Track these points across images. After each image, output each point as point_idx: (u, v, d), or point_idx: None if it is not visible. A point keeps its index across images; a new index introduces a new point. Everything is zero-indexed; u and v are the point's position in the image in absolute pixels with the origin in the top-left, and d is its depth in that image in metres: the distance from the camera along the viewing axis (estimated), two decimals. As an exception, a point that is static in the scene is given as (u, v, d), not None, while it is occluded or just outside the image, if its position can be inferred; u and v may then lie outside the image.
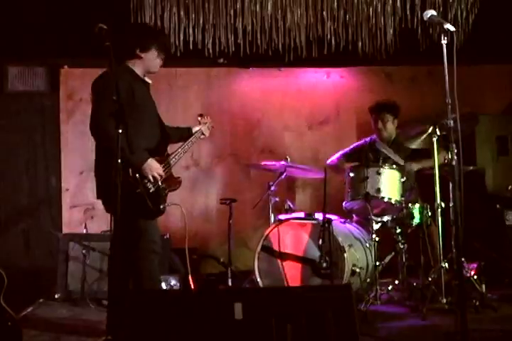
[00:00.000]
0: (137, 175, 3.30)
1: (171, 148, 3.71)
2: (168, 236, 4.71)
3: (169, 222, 4.85)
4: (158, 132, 3.56)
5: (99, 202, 5.45)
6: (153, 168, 3.35)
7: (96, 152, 3.46)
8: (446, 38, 3.05)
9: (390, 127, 4.87)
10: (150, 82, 3.62)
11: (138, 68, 3.54)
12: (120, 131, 2.91)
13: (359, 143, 5.07)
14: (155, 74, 3.68)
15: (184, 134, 3.80)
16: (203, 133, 3.85)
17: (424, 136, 4.24)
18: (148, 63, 3.54)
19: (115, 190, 2.85)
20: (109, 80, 3.26)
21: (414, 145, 4.40)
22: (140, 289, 3.36)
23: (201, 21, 5.18)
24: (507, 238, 4.67)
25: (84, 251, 4.58)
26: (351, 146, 5.07)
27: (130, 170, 3.28)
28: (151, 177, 3.33)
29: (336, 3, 5.29)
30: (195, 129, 3.84)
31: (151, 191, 3.35)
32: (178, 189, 3.60)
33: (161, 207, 3.38)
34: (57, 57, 5.51)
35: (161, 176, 3.38)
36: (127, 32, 3.65)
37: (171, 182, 3.49)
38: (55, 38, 5.28)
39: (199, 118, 3.91)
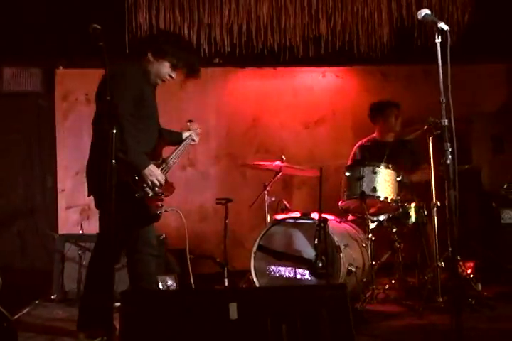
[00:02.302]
0: (137, 178, 3.28)
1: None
2: (164, 236, 4.70)
3: (165, 223, 4.82)
4: (157, 136, 3.53)
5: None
6: (155, 173, 3.32)
7: (93, 149, 3.43)
8: (440, 37, 3.05)
9: (399, 122, 4.91)
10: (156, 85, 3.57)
11: (146, 70, 3.46)
12: (114, 131, 2.89)
13: (356, 151, 5.06)
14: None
15: (174, 138, 3.75)
16: (193, 139, 3.84)
17: (420, 131, 4.31)
18: (154, 70, 3.46)
19: (109, 192, 2.85)
20: (131, 79, 3.26)
21: (411, 137, 4.50)
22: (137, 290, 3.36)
23: (196, 21, 5.18)
24: (503, 236, 4.67)
25: (80, 252, 4.57)
26: (350, 157, 5.06)
27: (129, 174, 3.24)
28: (153, 183, 3.30)
29: (331, 3, 5.29)
30: (185, 135, 3.80)
31: (149, 195, 3.33)
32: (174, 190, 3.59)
33: (158, 212, 3.36)
34: (53, 58, 5.50)
35: (160, 183, 3.35)
36: (154, 33, 3.58)
37: (167, 187, 3.45)
38: (50, 39, 5.27)
39: (188, 124, 3.91)
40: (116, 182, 3.08)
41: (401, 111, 5.01)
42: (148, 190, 3.31)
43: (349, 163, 4.99)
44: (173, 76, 3.50)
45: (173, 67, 3.46)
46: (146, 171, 3.28)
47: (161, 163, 3.48)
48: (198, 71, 3.53)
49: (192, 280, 3.85)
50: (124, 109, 3.19)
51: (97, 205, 3.44)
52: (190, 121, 3.95)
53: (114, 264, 3.39)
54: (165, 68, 3.45)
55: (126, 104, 3.23)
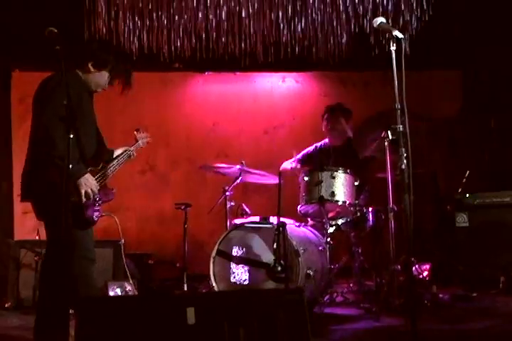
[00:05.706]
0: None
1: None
2: (123, 241, 4.66)
3: (125, 228, 4.80)
4: (95, 143, 3.55)
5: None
6: (89, 183, 3.33)
7: (33, 151, 3.41)
8: (395, 45, 3.12)
9: (342, 127, 4.93)
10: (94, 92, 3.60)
11: (86, 79, 3.50)
12: (71, 136, 2.88)
13: (310, 148, 5.12)
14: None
15: (105, 157, 3.68)
16: (129, 155, 3.78)
17: (377, 142, 4.35)
18: (95, 80, 3.50)
19: (65, 198, 2.84)
20: (59, 83, 3.24)
21: (368, 152, 4.52)
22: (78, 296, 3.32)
23: (156, 25, 5.16)
24: (457, 239, 4.77)
25: (36, 258, 4.50)
26: (303, 152, 5.11)
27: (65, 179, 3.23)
28: (86, 192, 3.30)
29: (291, 9, 5.33)
30: (117, 152, 3.75)
31: (83, 201, 3.32)
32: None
33: (94, 216, 3.37)
34: (9, 61, 5.41)
35: (94, 192, 3.35)
36: (89, 42, 3.59)
37: (105, 193, 3.48)
38: (7, 41, 5.18)
39: (135, 133, 3.89)
40: (49, 182, 3.19)
41: (351, 117, 4.98)
42: (82, 197, 3.31)
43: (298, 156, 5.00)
44: (112, 84, 3.56)
45: (110, 77, 3.52)
46: (82, 180, 3.29)
47: (101, 169, 3.49)
48: (131, 81, 3.57)
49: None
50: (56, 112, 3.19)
51: (37, 213, 3.41)
52: (137, 130, 3.92)
53: (71, 269, 3.37)
54: (105, 78, 3.51)
55: (57, 106, 3.21)
